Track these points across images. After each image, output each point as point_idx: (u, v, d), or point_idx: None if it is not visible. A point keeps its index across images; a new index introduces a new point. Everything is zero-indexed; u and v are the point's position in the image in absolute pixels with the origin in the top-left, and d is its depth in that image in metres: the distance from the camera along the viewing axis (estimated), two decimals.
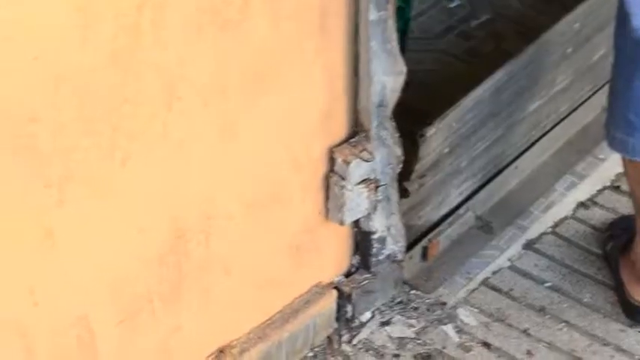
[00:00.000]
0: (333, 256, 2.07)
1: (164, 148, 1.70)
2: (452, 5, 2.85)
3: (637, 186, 2.16)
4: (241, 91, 1.78)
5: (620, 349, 2.10)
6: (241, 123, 1.81)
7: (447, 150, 2.23)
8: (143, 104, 1.61)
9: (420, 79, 2.52)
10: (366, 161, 1.97)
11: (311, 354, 2.07)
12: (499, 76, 2.28)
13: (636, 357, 2.10)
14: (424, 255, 2.22)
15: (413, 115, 2.18)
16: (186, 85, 1.68)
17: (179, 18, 1.61)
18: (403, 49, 2.51)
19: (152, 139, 1.66)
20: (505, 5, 2.85)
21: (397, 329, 2.13)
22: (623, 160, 2.16)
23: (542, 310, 2.17)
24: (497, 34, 2.75)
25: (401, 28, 2.53)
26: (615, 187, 2.36)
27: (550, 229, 2.36)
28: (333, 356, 2.08)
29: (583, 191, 2.44)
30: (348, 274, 2.10)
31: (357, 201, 1.96)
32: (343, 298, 2.07)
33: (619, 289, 2.20)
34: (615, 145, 2.11)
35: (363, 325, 2.13)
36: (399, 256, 2.10)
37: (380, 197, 2.01)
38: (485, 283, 2.22)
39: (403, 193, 2.11)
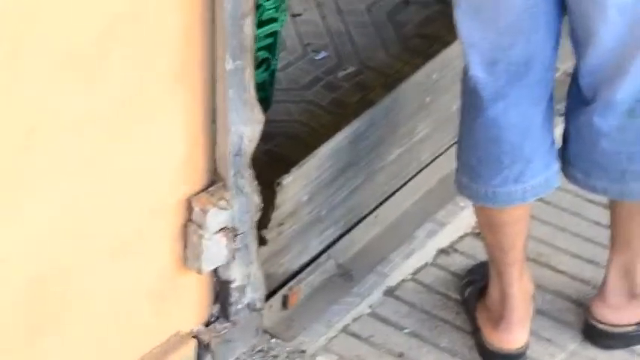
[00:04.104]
0: (193, 304, 2.07)
1: (21, 187, 1.68)
2: (318, 57, 2.89)
3: (487, 230, 2.23)
4: (97, 138, 1.78)
5: None
6: (98, 169, 1.81)
7: (305, 198, 2.24)
8: None
9: (287, 130, 2.59)
10: (224, 210, 1.98)
11: None
12: (357, 124, 2.32)
13: None
14: (284, 303, 2.23)
15: (279, 165, 2.23)
16: (43, 128, 1.67)
17: (36, 65, 1.61)
18: (269, 100, 2.57)
19: (7, 178, 1.65)
20: (371, 57, 2.89)
21: None
22: (473, 205, 2.22)
23: (401, 356, 2.22)
24: (363, 85, 2.80)
25: (267, 79, 2.58)
26: (475, 234, 2.42)
27: (410, 276, 2.40)
28: None
29: (443, 238, 2.48)
30: (207, 323, 2.10)
31: (215, 249, 1.99)
32: (202, 348, 2.09)
33: (476, 333, 2.26)
34: (462, 190, 2.18)
35: None
36: (259, 305, 2.12)
37: (238, 246, 2.03)
38: (345, 330, 2.25)
39: (262, 241, 2.12)
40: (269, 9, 2.48)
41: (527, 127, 2.08)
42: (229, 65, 1.91)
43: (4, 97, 1.60)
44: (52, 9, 1.61)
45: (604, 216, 2.30)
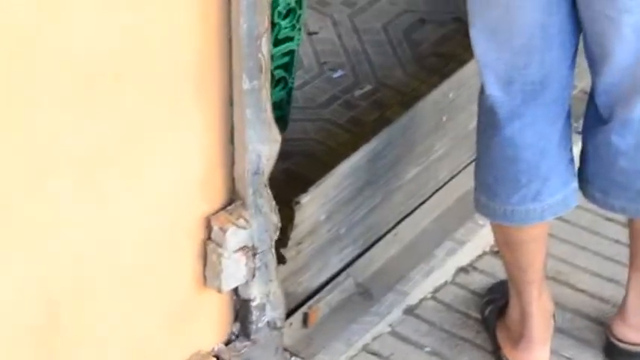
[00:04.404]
0: (213, 323, 2.08)
1: (36, 212, 1.69)
2: (335, 76, 2.88)
3: (505, 249, 2.22)
4: (116, 159, 1.79)
5: None
6: (116, 191, 1.82)
7: (324, 217, 2.24)
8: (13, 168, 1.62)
9: (305, 148, 2.59)
10: (243, 229, 1.98)
11: None
12: (375, 143, 2.32)
13: None
14: (304, 321, 2.24)
15: (297, 184, 2.24)
16: (58, 151, 1.69)
17: (50, 87, 1.63)
18: (287, 119, 2.57)
19: (22, 203, 1.66)
20: (388, 75, 2.88)
21: None
22: (491, 223, 2.22)
23: None
24: (380, 103, 2.79)
25: (284, 98, 2.59)
26: (495, 252, 2.41)
27: (430, 295, 2.40)
28: None
29: (463, 257, 2.48)
30: (227, 342, 2.10)
31: (234, 268, 1.99)
32: None
33: (496, 352, 2.26)
34: (480, 208, 2.19)
35: None
36: (279, 323, 2.12)
37: (258, 264, 2.03)
38: (365, 348, 2.25)
39: (281, 259, 2.12)
40: (285, 28, 2.48)
41: (544, 146, 2.08)
42: (246, 85, 1.91)
43: (21, 127, 1.62)
44: (66, 35, 1.62)
45: (623, 234, 2.30)
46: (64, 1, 1.61)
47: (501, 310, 2.27)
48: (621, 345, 2.23)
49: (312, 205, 2.21)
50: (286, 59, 2.54)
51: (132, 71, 1.76)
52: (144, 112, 1.82)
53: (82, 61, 1.67)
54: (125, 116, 1.78)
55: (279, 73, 2.54)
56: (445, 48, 2.86)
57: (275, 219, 2.06)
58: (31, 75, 1.61)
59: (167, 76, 1.83)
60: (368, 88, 2.83)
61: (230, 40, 1.89)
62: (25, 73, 1.60)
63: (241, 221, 1.99)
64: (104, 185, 1.79)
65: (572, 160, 2.13)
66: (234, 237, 1.96)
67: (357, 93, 2.82)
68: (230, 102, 1.94)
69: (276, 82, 2.49)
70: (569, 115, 2.10)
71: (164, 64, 1.81)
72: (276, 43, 2.46)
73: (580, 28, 1.99)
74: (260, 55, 1.91)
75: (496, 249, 2.38)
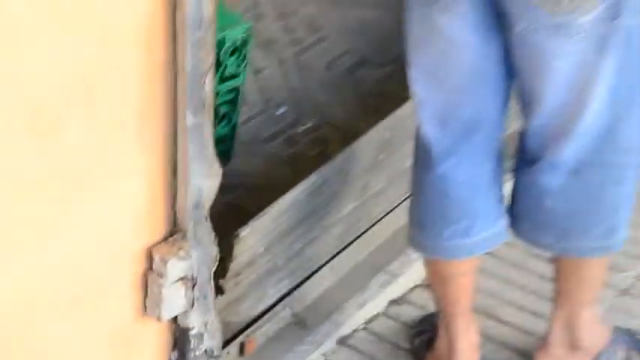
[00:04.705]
0: (152, 351, 2.07)
1: None
2: (279, 112, 2.90)
3: (436, 282, 2.25)
4: (60, 191, 1.77)
5: None
6: (59, 222, 1.80)
7: (262, 249, 2.24)
8: None
9: (247, 182, 2.61)
10: (183, 260, 1.97)
11: None
12: (314, 179, 2.34)
13: None
14: (241, 351, 2.25)
15: (237, 216, 2.24)
16: (3, 180, 1.66)
17: None
18: (230, 153, 2.60)
19: None
20: (330, 113, 2.91)
21: None
22: (423, 257, 2.25)
23: None
24: (321, 140, 2.81)
25: (228, 133, 2.61)
26: (426, 285, 2.42)
27: (363, 326, 2.42)
28: None
29: (396, 289, 2.50)
30: None
31: (174, 298, 1.98)
32: None
33: None
34: (412, 243, 2.22)
35: None
36: (216, 352, 2.12)
37: (197, 295, 2.02)
38: None
39: (219, 290, 2.13)
40: (231, 65, 2.51)
41: (476, 184, 2.11)
42: (190, 121, 1.90)
43: None
44: (14, 66, 1.61)
45: (549, 270, 2.30)
46: (7, 35, 1.59)
47: (430, 342, 2.29)
48: None
49: (252, 237, 2.20)
50: (231, 96, 2.58)
51: (76, 106, 1.74)
52: (88, 145, 1.80)
53: (25, 95, 1.65)
54: (69, 150, 1.76)
55: (224, 108, 2.57)
56: (385, 88, 2.89)
57: (214, 251, 2.05)
58: None
59: (111, 110, 1.81)
60: (310, 124, 2.85)
61: (175, 77, 1.87)
62: None
63: (182, 252, 1.98)
64: (49, 215, 1.77)
65: (502, 198, 2.15)
66: (175, 268, 1.95)
67: (300, 129, 2.84)
68: (174, 137, 1.92)
69: (220, 118, 2.52)
70: (500, 155, 2.13)
71: (109, 99, 1.80)
72: (222, 80, 2.48)
73: (512, 73, 2.01)
74: (204, 92, 1.90)
75: (427, 282, 2.39)
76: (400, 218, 2.46)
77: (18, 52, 1.61)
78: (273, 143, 2.80)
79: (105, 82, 1.78)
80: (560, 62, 1.91)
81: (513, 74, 2.02)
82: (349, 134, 2.59)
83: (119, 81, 1.82)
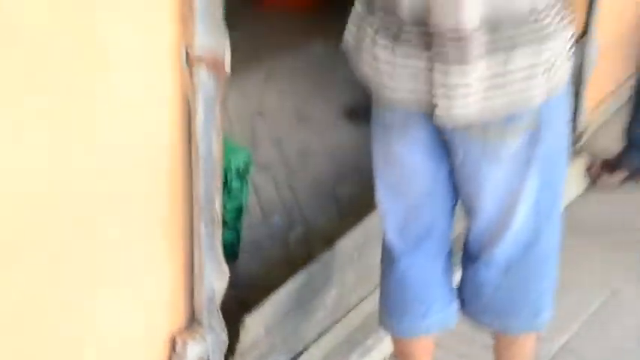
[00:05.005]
0: None
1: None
2: (274, 221, 2.88)
3: (400, 355, 2.26)
4: (101, 283, 1.75)
5: None
6: (101, 310, 1.77)
7: (263, 332, 2.22)
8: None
9: (249, 279, 2.58)
10: (200, 343, 1.97)
11: None
12: (302, 275, 2.34)
13: None
14: None
15: (243, 307, 2.19)
16: (57, 274, 1.63)
17: (33, 228, 1.56)
18: (237, 255, 2.59)
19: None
20: (315, 221, 2.88)
21: None
22: (390, 335, 2.24)
23: None
24: (308, 242, 2.77)
25: (234, 240, 2.62)
26: (394, 357, 2.36)
27: None
28: None
29: None
30: None
31: None
32: None
33: None
34: (382, 324, 2.20)
35: None
36: None
37: None
38: None
39: None
40: (236, 186, 2.53)
41: (430, 278, 2.09)
42: (203, 231, 1.89)
43: None
44: (60, 179, 1.58)
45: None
46: (52, 146, 1.56)
47: None
48: None
49: (254, 324, 2.18)
50: (236, 209, 2.58)
51: (112, 214, 1.73)
52: (126, 247, 1.79)
53: (73, 197, 1.62)
54: (110, 248, 1.74)
55: (230, 220, 2.56)
56: (359, 200, 2.84)
57: (224, 336, 2.03)
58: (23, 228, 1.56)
59: (142, 219, 1.81)
60: (299, 230, 2.84)
61: (191, 197, 1.87)
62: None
63: (198, 338, 1.97)
64: (92, 304, 1.75)
65: (452, 287, 2.14)
66: (193, 350, 1.95)
67: (291, 234, 2.82)
68: (191, 244, 1.91)
69: (228, 227, 2.50)
70: (450, 252, 2.12)
71: (140, 210, 1.79)
72: (229, 197, 2.49)
73: (457, 190, 2.01)
74: (214, 209, 1.89)
75: (394, 355, 2.35)
76: (372, 304, 2.43)
77: (62, 159, 1.59)
78: (269, 246, 2.76)
79: (137, 197, 1.78)
80: (490, 183, 1.91)
81: (457, 191, 2.01)
82: (331, 238, 2.57)
83: (149, 197, 1.81)
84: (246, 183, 2.60)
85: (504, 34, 1.73)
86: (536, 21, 1.74)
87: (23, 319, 1.62)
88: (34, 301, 1.63)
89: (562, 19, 1.79)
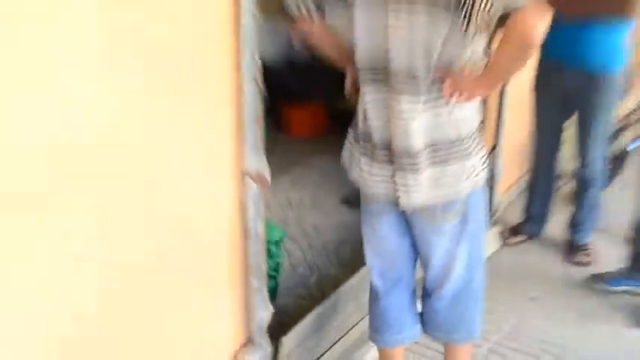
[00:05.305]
0: None
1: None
2: (299, 271, 2.74)
3: (382, 358, 2.13)
4: (174, 318, 1.62)
5: None
6: (177, 342, 1.64)
7: (294, 347, 2.14)
8: None
9: (285, 310, 2.47)
10: (253, 356, 1.92)
11: None
12: (319, 309, 2.29)
13: None
14: None
15: (281, 329, 2.13)
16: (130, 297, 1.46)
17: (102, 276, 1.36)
18: (275, 296, 2.49)
19: None
20: (327, 271, 2.77)
21: None
22: (376, 346, 2.14)
23: None
24: (323, 285, 2.66)
25: (274, 286, 2.43)
26: None
27: None
28: None
29: None
30: None
31: None
32: None
33: None
34: (371, 338, 2.13)
35: None
36: None
37: None
38: None
39: None
40: (274, 250, 2.42)
41: (402, 308, 2.05)
42: (254, 283, 1.87)
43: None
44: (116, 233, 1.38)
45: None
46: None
47: None
48: None
49: (289, 341, 2.14)
50: (275, 266, 2.46)
51: (199, 274, 1.66)
52: (204, 294, 1.71)
53: (152, 240, 1.48)
54: (192, 295, 1.65)
55: (272, 273, 2.43)
56: (356, 258, 2.61)
57: (269, 350, 1.99)
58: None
59: (216, 277, 1.75)
60: (315, 278, 2.77)
61: (246, 261, 1.82)
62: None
63: (253, 352, 1.93)
64: (179, 330, 1.65)
65: (416, 313, 2.08)
66: None
67: (311, 281, 2.76)
68: (246, 292, 1.86)
69: (270, 278, 2.33)
70: (414, 291, 2.06)
71: (214, 272, 1.74)
72: (270, 258, 2.35)
73: (416, 251, 1.97)
74: (261, 268, 1.85)
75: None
76: (364, 325, 2.34)
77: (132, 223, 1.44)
78: (297, 289, 2.69)
79: (211, 262, 1.71)
80: (437, 248, 1.88)
81: (416, 252, 1.98)
82: (337, 283, 2.52)
83: (219, 261, 1.74)
84: (281, 249, 2.53)
85: (440, 153, 1.72)
86: (461, 145, 1.72)
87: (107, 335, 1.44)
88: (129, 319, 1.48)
89: (478, 143, 1.77)
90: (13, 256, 1.17)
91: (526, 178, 3.31)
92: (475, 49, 1.58)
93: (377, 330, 2.08)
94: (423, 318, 2.08)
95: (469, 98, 1.64)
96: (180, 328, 1.67)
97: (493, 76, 1.57)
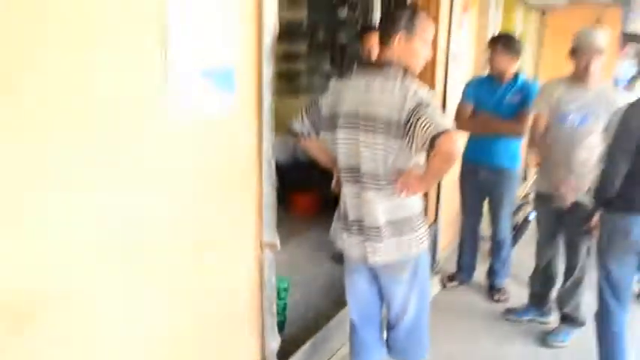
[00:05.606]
0: None
1: None
2: (301, 312, 2.60)
3: None
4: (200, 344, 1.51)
5: None
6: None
7: None
8: None
9: (288, 340, 2.24)
10: None
11: None
12: (312, 339, 2.16)
13: None
14: None
15: (288, 353, 2.01)
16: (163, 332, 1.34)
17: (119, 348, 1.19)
18: (284, 329, 2.32)
19: None
20: (323, 310, 2.55)
21: None
22: None
23: None
24: (315, 322, 2.42)
25: (282, 320, 2.28)
26: None
27: None
28: None
29: None
30: None
31: None
32: None
33: None
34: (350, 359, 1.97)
35: None
36: None
37: None
38: None
39: None
40: (283, 294, 2.33)
41: (373, 337, 1.95)
42: (268, 321, 1.81)
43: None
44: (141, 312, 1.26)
45: None
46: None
47: None
48: None
49: None
50: (283, 307, 2.30)
51: (226, 302, 1.58)
52: (229, 330, 1.63)
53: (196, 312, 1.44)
54: (217, 322, 1.55)
55: (280, 311, 2.32)
56: (341, 301, 2.48)
57: None
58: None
59: (237, 320, 1.67)
60: (312, 314, 2.52)
61: (262, 305, 1.75)
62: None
63: None
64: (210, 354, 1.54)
65: (383, 341, 1.96)
66: None
67: (308, 316, 2.50)
68: (262, 328, 1.79)
69: (279, 315, 2.26)
70: (381, 325, 1.96)
71: (237, 317, 1.63)
72: (279, 300, 2.28)
73: (382, 297, 1.89)
74: (272, 310, 1.82)
75: None
76: (346, 350, 2.22)
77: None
78: (298, 322, 2.46)
79: (235, 308, 1.63)
80: (396, 295, 1.82)
81: (383, 298, 1.89)
82: (328, 318, 2.40)
83: (240, 307, 1.67)
84: (287, 293, 2.38)
85: (397, 227, 1.70)
86: (411, 222, 1.71)
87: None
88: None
89: (422, 221, 1.75)
90: None
91: (457, 240, 3.29)
92: (417, 160, 1.65)
93: (355, 354, 1.99)
94: (388, 344, 1.97)
95: (414, 193, 1.68)
96: (214, 354, 1.61)
97: (429, 178, 1.62)
